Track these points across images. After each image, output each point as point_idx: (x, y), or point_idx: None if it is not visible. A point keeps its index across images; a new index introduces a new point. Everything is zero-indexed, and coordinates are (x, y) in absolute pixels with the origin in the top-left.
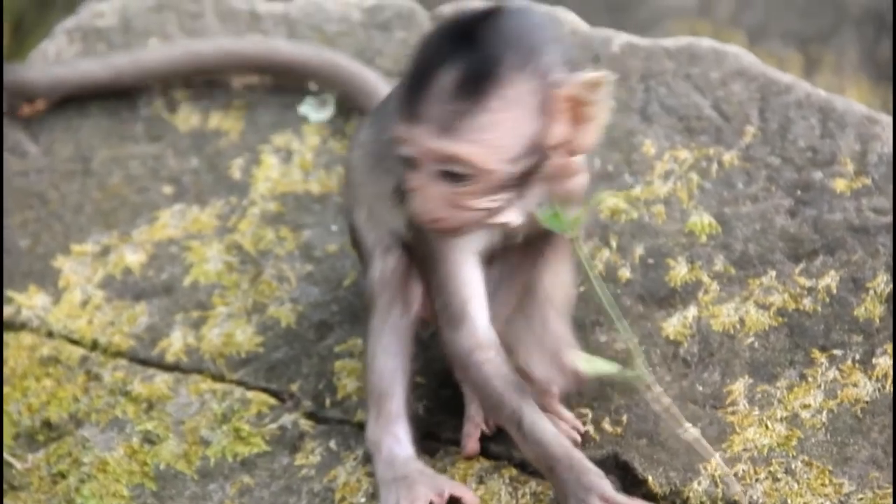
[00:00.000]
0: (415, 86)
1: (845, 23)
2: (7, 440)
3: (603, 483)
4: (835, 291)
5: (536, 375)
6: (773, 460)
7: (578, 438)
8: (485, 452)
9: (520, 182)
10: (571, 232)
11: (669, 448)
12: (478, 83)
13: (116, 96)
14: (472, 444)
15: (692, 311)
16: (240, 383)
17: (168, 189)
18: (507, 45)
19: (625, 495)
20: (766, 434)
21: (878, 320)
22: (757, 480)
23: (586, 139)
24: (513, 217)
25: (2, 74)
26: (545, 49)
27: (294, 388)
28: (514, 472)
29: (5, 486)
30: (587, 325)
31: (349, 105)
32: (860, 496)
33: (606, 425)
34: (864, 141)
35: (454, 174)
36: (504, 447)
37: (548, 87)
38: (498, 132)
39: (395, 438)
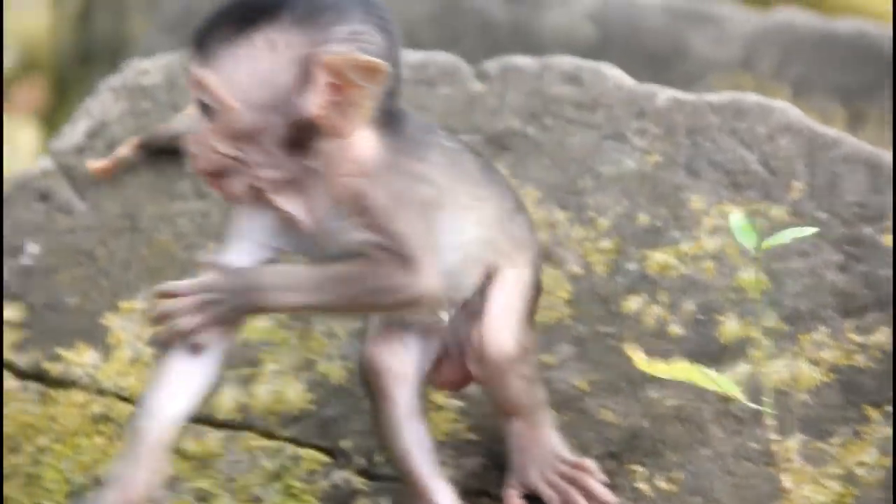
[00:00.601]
0: (208, 18)
1: (888, 76)
2: (60, 498)
3: None
4: (887, 347)
5: None
6: None
7: None
8: None
9: (279, 148)
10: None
11: None
12: (250, 18)
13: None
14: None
15: (743, 368)
16: (291, 440)
17: (215, 245)
18: None
19: None
20: (822, 492)
21: None
22: None
23: (343, 124)
24: (291, 206)
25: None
26: (342, 17)
27: (345, 444)
28: None
29: None
30: (637, 379)
31: None
32: None
33: (660, 482)
34: None
35: (205, 107)
36: None
37: (317, 49)
38: (243, 68)
39: None
